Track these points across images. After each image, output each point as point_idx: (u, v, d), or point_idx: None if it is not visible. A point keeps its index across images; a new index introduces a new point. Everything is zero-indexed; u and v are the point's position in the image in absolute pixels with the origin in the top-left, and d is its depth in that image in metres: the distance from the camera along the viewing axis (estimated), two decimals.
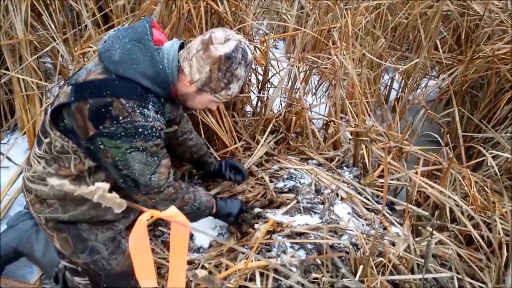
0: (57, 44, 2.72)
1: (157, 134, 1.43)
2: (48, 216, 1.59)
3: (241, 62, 1.46)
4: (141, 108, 1.38)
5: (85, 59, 2.53)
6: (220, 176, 2.17)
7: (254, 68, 2.61)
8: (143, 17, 2.30)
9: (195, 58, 1.44)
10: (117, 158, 1.42)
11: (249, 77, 2.48)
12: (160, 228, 2.05)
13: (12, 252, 1.88)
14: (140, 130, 1.38)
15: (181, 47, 1.55)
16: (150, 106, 1.41)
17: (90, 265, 1.65)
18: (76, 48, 2.67)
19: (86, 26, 2.92)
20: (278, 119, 2.70)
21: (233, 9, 2.34)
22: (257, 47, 2.52)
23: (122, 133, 1.37)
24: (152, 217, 0.78)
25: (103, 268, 1.66)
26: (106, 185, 0.70)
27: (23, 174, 1.66)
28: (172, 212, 0.80)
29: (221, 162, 2.16)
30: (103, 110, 1.35)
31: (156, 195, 1.52)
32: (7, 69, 2.60)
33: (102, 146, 1.40)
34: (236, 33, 1.55)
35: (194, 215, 1.71)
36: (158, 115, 1.45)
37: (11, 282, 1.85)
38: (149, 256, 0.85)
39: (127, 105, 1.36)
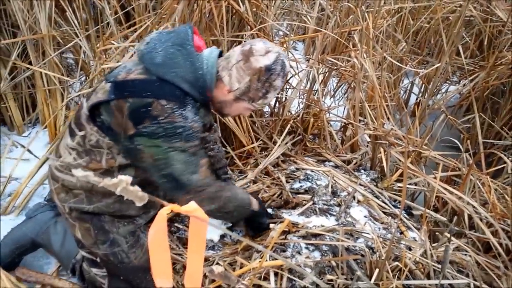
0: (80, 40, 2.76)
1: (195, 135, 1.47)
2: (73, 206, 1.62)
3: (280, 73, 1.51)
4: (180, 110, 1.42)
5: (107, 56, 2.55)
6: None
7: None
8: (164, 16, 2.33)
9: (235, 68, 1.49)
10: (157, 157, 1.45)
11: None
12: (176, 224, 2.06)
13: (30, 242, 1.90)
14: (179, 130, 1.41)
15: (219, 55, 1.59)
16: (189, 108, 1.44)
17: (109, 256, 1.68)
18: (98, 45, 2.70)
19: (108, 23, 2.97)
20: (295, 120, 2.69)
21: (254, 9, 2.35)
22: None
23: (162, 133, 1.40)
24: (172, 211, 0.79)
25: (121, 260, 1.69)
26: (129, 178, 0.71)
27: (50, 163, 1.70)
28: (191, 207, 0.81)
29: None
30: (143, 110, 1.39)
31: (197, 193, 1.52)
32: (30, 63, 2.65)
33: (141, 146, 1.44)
34: (275, 44, 1.59)
35: (234, 214, 1.71)
36: (197, 116, 1.48)
37: (29, 272, 1.88)
38: (166, 252, 0.86)
39: (166, 106, 1.39)
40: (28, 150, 2.47)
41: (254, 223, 1.88)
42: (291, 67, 2.47)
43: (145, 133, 1.41)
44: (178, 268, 1.85)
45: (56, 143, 2.41)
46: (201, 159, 1.52)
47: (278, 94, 2.50)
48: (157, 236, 0.83)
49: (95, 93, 1.52)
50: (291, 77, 2.58)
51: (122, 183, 0.70)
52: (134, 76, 1.44)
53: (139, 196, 0.74)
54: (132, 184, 0.72)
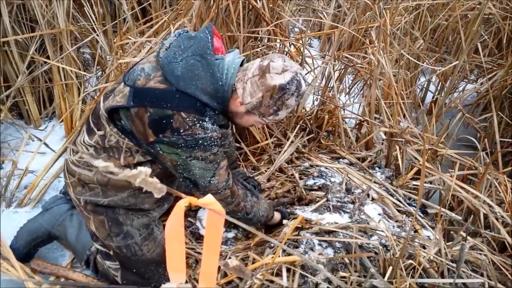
0: (97, 35, 2.78)
1: (215, 143, 1.49)
2: (88, 199, 1.65)
3: (294, 93, 1.49)
4: (200, 122, 1.43)
5: (123, 51, 2.57)
6: None
7: None
8: (181, 12, 2.34)
9: (250, 82, 1.48)
10: (177, 163, 1.50)
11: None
12: (189, 219, 2.07)
13: (46, 234, 1.93)
14: (200, 142, 1.44)
15: (242, 63, 1.58)
16: (207, 119, 1.46)
17: (122, 249, 1.70)
18: (115, 40, 2.72)
19: (125, 19, 2.99)
20: (310, 117, 2.68)
21: (271, 5, 2.35)
22: (293, 44, 2.51)
23: (183, 144, 1.44)
24: (190, 203, 0.80)
25: (134, 253, 1.71)
26: (148, 170, 0.71)
27: (66, 157, 1.73)
28: (208, 200, 0.81)
29: (239, 173, 2.15)
30: (164, 121, 1.41)
31: (214, 195, 1.54)
32: (48, 58, 2.68)
33: (161, 152, 1.48)
34: (296, 62, 1.56)
35: (244, 221, 1.73)
36: (215, 125, 1.49)
37: (44, 263, 1.91)
38: (181, 244, 0.87)
39: (187, 118, 1.41)
40: (45, 144, 2.50)
41: (268, 226, 1.97)
42: (305, 62, 2.46)
43: (165, 142, 1.44)
44: (191, 263, 1.86)
45: (72, 138, 2.44)
46: (220, 163, 1.56)
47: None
48: (174, 228, 0.84)
49: (113, 95, 1.53)
50: (306, 74, 2.57)
51: (142, 175, 0.71)
52: (154, 85, 1.44)
53: (158, 188, 0.74)
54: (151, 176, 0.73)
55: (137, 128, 1.47)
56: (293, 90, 1.47)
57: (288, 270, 1.65)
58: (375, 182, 2.27)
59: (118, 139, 1.53)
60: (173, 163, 1.50)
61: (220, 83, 1.47)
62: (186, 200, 0.79)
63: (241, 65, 1.57)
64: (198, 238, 1.99)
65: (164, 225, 1.80)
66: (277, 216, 1.94)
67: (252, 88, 1.48)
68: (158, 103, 1.41)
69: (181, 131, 1.41)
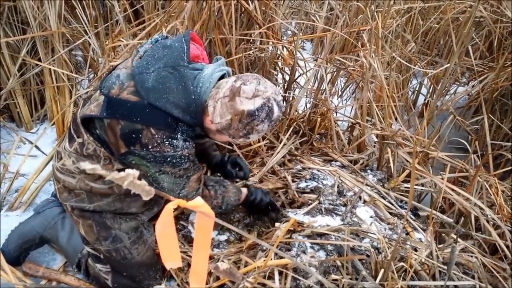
0: (89, 37, 2.77)
1: (185, 161, 1.47)
2: (74, 205, 1.64)
3: (264, 120, 1.42)
4: (170, 140, 1.41)
5: (115, 53, 2.56)
6: (222, 171, 2.09)
7: (281, 67, 2.61)
8: (173, 14, 2.34)
9: (220, 102, 1.41)
10: (147, 175, 1.49)
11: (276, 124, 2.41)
12: (181, 222, 2.06)
13: (37, 238, 1.92)
14: (168, 159, 1.43)
15: (223, 76, 1.52)
16: (179, 136, 1.43)
17: (112, 252, 1.69)
18: (107, 42, 2.71)
19: (117, 21, 2.98)
20: (302, 119, 2.69)
21: (263, 8, 2.35)
22: (285, 47, 2.52)
23: (151, 159, 1.42)
24: (178, 206, 0.80)
25: (124, 256, 1.70)
26: (136, 172, 0.71)
27: (52, 163, 1.72)
28: (197, 203, 0.81)
29: (224, 156, 2.10)
30: (134, 135, 1.40)
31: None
32: (39, 60, 2.66)
33: (133, 162, 1.47)
34: (272, 83, 1.49)
35: (221, 212, 1.80)
36: (187, 142, 1.46)
37: (35, 267, 1.89)
38: (174, 239, 0.87)
39: (156, 136, 1.39)
40: (36, 147, 2.49)
41: (250, 207, 1.97)
42: (298, 65, 2.46)
43: (136, 154, 1.43)
44: (183, 266, 1.85)
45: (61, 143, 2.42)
46: (190, 177, 1.55)
47: (289, 95, 2.51)
48: (164, 229, 0.84)
49: (89, 102, 1.51)
50: (299, 76, 2.57)
51: (130, 177, 0.70)
52: (127, 96, 1.41)
53: (146, 190, 0.74)
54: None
55: (109, 139, 1.46)
56: (263, 117, 1.40)
57: (280, 273, 1.65)
58: (367, 185, 2.27)
59: (95, 147, 1.52)
60: (144, 175, 1.49)
61: (193, 96, 1.42)
62: (174, 203, 0.79)
63: (223, 77, 1.51)
64: (190, 241, 1.98)
65: (154, 228, 1.80)
66: (244, 191, 1.91)
67: (221, 109, 1.40)
68: (128, 117, 1.39)
69: (150, 147, 1.39)
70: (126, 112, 1.39)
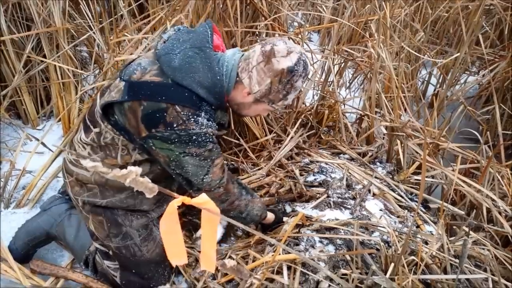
0: (94, 33, 2.76)
1: (210, 140, 1.45)
2: (86, 199, 1.63)
3: (302, 74, 1.47)
4: (195, 116, 1.40)
5: (120, 48, 2.55)
6: None
7: None
8: (178, 7, 2.31)
9: (255, 70, 1.44)
10: (170, 159, 1.46)
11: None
12: (188, 217, 2.05)
13: (44, 235, 1.91)
14: (194, 137, 1.41)
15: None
16: (203, 114, 1.42)
17: (122, 249, 1.68)
18: (111, 37, 2.69)
19: (122, 16, 2.96)
20: (310, 112, 2.66)
21: None
22: (292, 38, 2.49)
23: (176, 139, 1.40)
24: (183, 204, 0.78)
25: (134, 254, 1.69)
26: (139, 169, 0.70)
27: (64, 156, 1.71)
28: (202, 200, 0.80)
29: None
30: (158, 115, 1.37)
31: (208, 193, 1.53)
32: (44, 56, 2.66)
33: (154, 147, 1.44)
34: (295, 42, 1.54)
35: (237, 220, 1.72)
36: (211, 122, 1.46)
37: (43, 264, 1.89)
38: (179, 236, 0.86)
39: (182, 112, 1.37)
40: (42, 143, 2.48)
41: (263, 225, 1.95)
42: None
43: (158, 137, 1.41)
44: (191, 261, 1.84)
45: (70, 136, 2.42)
46: (214, 161, 1.52)
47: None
48: (168, 226, 0.83)
49: (109, 90, 1.50)
50: None
51: (132, 174, 0.69)
52: (150, 78, 1.41)
53: (149, 188, 0.73)
54: (142, 176, 0.71)
55: (130, 122, 1.44)
56: (301, 71, 1.45)
57: (289, 268, 1.63)
58: (376, 178, 2.24)
59: (113, 135, 1.50)
60: (166, 159, 1.46)
61: (218, 77, 1.44)
62: (179, 200, 0.78)
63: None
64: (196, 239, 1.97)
65: None
66: (270, 216, 1.89)
67: (259, 75, 1.44)
68: (152, 96, 1.38)
69: (175, 125, 1.37)
70: (149, 92, 1.39)
